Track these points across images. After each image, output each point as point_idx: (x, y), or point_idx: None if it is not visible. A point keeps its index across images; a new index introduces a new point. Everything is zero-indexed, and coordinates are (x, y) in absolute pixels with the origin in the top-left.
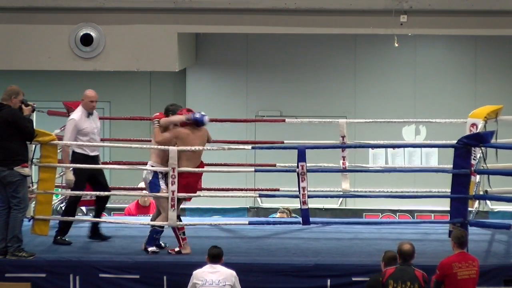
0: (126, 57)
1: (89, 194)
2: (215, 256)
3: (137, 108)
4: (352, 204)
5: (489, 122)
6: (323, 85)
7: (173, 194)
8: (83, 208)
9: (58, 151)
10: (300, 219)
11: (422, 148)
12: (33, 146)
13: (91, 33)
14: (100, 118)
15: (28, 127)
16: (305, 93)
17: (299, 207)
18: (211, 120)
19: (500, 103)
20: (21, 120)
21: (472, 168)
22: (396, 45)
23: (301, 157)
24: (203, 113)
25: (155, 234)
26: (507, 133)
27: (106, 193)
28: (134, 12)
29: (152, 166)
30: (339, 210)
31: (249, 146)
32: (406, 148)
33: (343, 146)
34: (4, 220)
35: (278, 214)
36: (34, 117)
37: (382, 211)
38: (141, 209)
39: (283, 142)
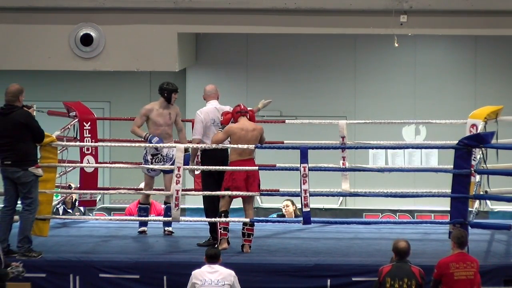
0: (126, 57)
1: (89, 194)
2: (212, 256)
3: (137, 108)
4: (352, 204)
5: (489, 123)
6: (323, 85)
7: (177, 193)
8: (82, 208)
9: (59, 152)
10: (301, 218)
11: (422, 148)
12: None
13: (91, 33)
14: (99, 119)
15: (40, 129)
16: (305, 93)
17: (301, 207)
18: None
19: (500, 103)
20: (34, 122)
21: (472, 169)
22: (396, 45)
23: (304, 157)
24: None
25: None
26: (507, 133)
27: (106, 192)
28: (134, 12)
29: None
30: (339, 210)
31: (252, 145)
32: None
33: (345, 147)
34: (7, 221)
35: (284, 203)
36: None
37: (382, 211)
38: None
39: (283, 143)
